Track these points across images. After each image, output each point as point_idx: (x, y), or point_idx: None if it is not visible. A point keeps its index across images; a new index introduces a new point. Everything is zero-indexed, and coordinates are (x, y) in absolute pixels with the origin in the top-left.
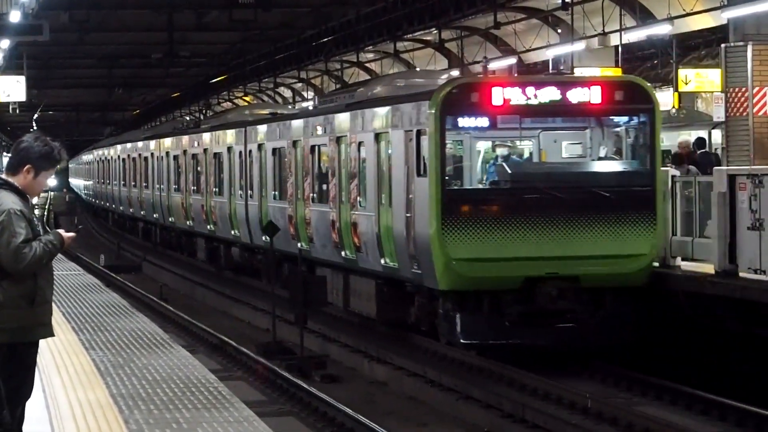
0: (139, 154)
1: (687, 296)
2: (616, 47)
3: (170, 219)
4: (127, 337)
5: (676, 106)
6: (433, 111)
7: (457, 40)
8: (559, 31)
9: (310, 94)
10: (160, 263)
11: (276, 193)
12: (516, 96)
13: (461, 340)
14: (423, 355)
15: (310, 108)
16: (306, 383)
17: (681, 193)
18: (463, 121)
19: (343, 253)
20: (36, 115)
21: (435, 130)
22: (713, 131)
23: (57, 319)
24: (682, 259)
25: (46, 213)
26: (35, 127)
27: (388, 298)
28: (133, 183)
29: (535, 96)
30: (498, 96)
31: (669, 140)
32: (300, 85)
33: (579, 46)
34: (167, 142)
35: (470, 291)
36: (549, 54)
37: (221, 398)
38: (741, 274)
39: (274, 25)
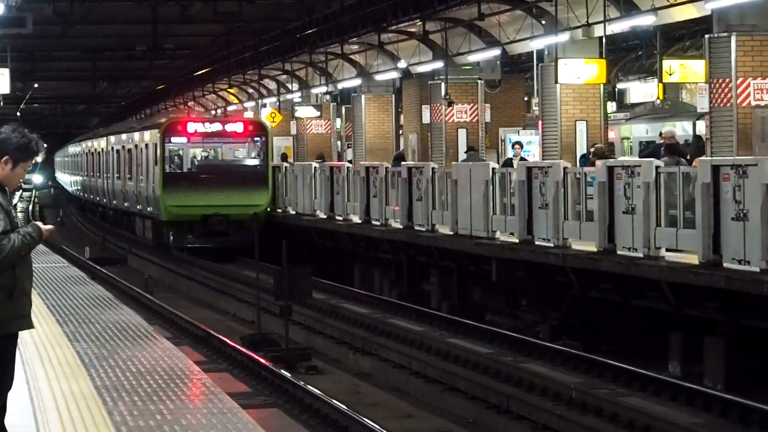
0: (76, 152)
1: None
2: (600, 38)
3: (84, 194)
4: (112, 329)
5: (661, 97)
6: (159, 134)
7: (442, 32)
8: (543, 22)
9: (296, 86)
10: (145, 255)
11: (117, 175)
12: (199, 127)
13: (172, 246)
14: (408, 347)
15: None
16: (291, 375)
17: (665, 185)
18: (174, 139)
19: (138, 207)
20: (21, 108)
21: (160, 143)
22: (698, 122)
23: (41, 311)
24: (667, 250)
25: (31, 206)
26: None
27: (155, 228)
28: (72, 171)
29: (208, 127)
30: (191, 127)
31: (654, 131)
32: (285, 77)
33: (563, 37)
34: (82, 144)
35: (177, 221)
36: (533, 45)
37: (205, 390)
38: (725, 265)
39: (258, 17)
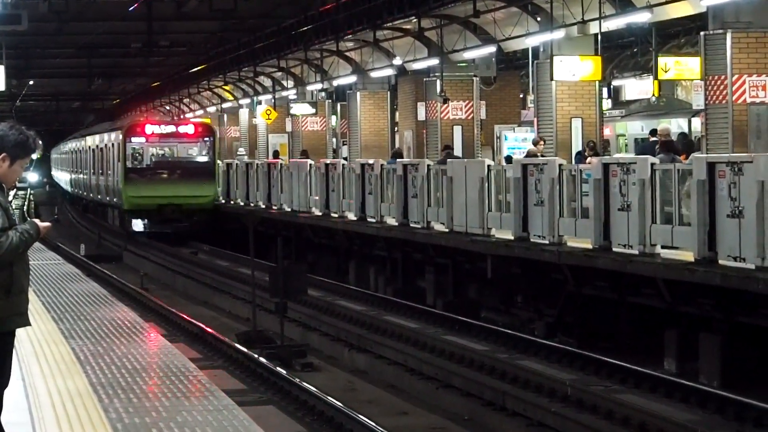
0: (65, 150)
1: None
2: (596, 35)
3: (70, 189)
4: (107, 326)
5: (656, 94)
6: (121, 134)
7: (437, 29)
8: (539, 19)
9: (291, 83)
10: (140, 253)
11: (92, 170)
12: (156, 129)
13: (132, 230)
14: (403, 344)
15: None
16: (286, 372)
17: (660, 182)
18: (135, 140)
19: (107, 198)
20: (16, 105)
21: (122, 143)
22: (693, 119)
23: (37, 308)
24: (662, 247)
25: (26, 203)
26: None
27: (120, 215)
28: (62, 168)
29: (164, 129)
30: (149, 129)
31: (649, 128)
32: (280, 74)
33: (558, 34)
34: (69, 143)
35: (136, 210)
36: (528, 42)
37: (201, 387)
38: (720, 262)
39: (253, 15)
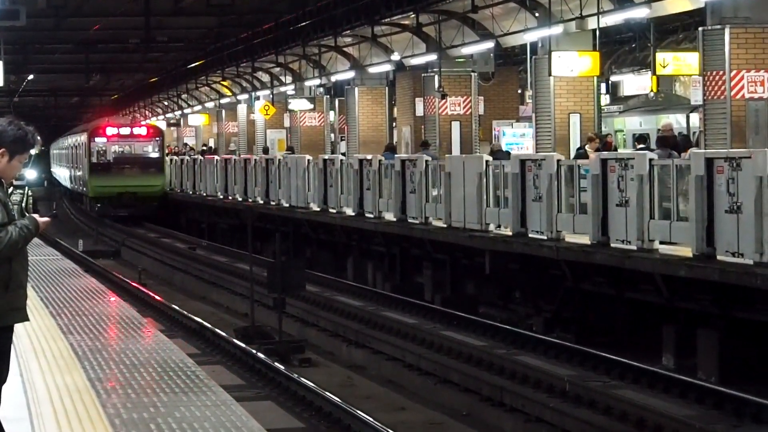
0: (59, 147)
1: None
2: (594, 31)
3: (60, 182)
4: (105, 322)
5: (654, 90)
6: (86, 135)
7: (435, 24)
8: (537, 14)
9: (289, 79)
10: (139, 248)
11: (73, 165)
12: (115, 131)
13: (97, 214)
14: (401, 339)
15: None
16: (284, 367)
17: (658, 177)
18: (98, 139)
19: (82, 189)
20: (14, 100)
21: (87, 143)
22: (691, 114)
23: (35, 304)
24: (661, 243)
25: (25, 198)
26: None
27: (89, 202)
28: (57, 164)
29: (122, 130)
30: (110, 131)
31: (647, 124)
32: (278, 69)
33: (556, 29)
34: (60, 141)
35: (100, 197)
36: (527, 38)
37: (199, 382)
38: (719, 257)
39: (251, 10)
